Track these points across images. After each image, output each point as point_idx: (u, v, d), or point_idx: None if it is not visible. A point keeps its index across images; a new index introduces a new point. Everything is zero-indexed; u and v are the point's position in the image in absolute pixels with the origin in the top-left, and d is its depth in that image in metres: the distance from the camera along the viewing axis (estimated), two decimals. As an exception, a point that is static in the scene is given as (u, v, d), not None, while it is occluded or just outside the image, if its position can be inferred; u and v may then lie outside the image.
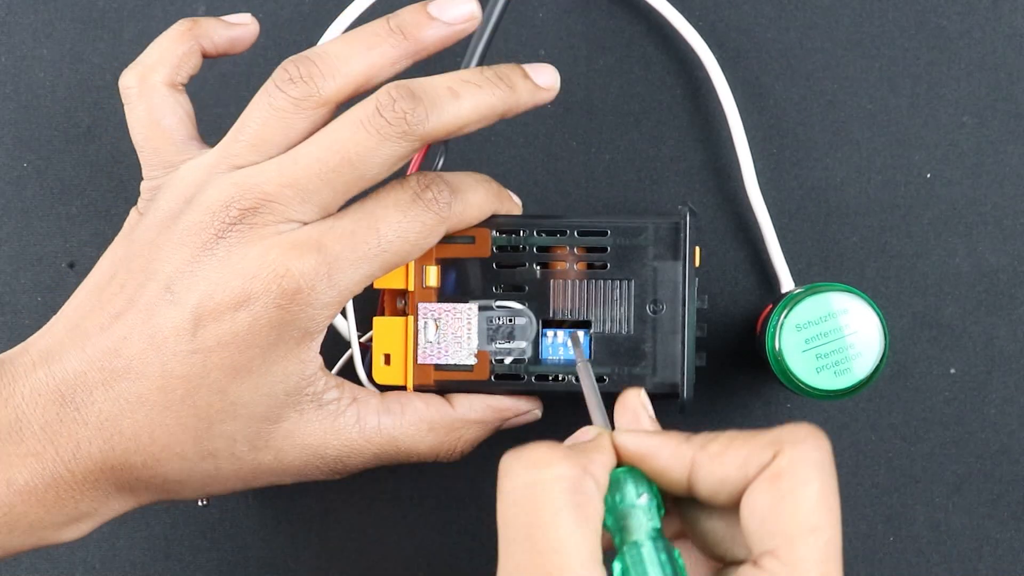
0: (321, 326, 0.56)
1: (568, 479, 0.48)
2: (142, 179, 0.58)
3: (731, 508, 0.50)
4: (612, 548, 0.50)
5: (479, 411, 0.60)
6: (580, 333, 0.59)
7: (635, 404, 0.55)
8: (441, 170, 0.60)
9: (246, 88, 0.58)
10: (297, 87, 0.56)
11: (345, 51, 0.56)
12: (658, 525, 0.49)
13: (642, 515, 0.49)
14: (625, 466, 0.50)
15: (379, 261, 0.56)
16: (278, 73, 0.56)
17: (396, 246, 0.56)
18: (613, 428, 0.53)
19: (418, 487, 0.68)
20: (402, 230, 0.56)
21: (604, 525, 0.49)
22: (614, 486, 0.49)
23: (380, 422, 0.58)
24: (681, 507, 0.52)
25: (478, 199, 0.59)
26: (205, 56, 0.60)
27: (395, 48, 0.57)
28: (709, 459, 0.49)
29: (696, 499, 0.50)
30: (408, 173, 0.59)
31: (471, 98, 0.56)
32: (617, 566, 0.48)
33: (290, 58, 0.56)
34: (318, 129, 0.56)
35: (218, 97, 0.68)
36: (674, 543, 0.51)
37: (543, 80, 0.58)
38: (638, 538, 0.48)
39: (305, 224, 0.55)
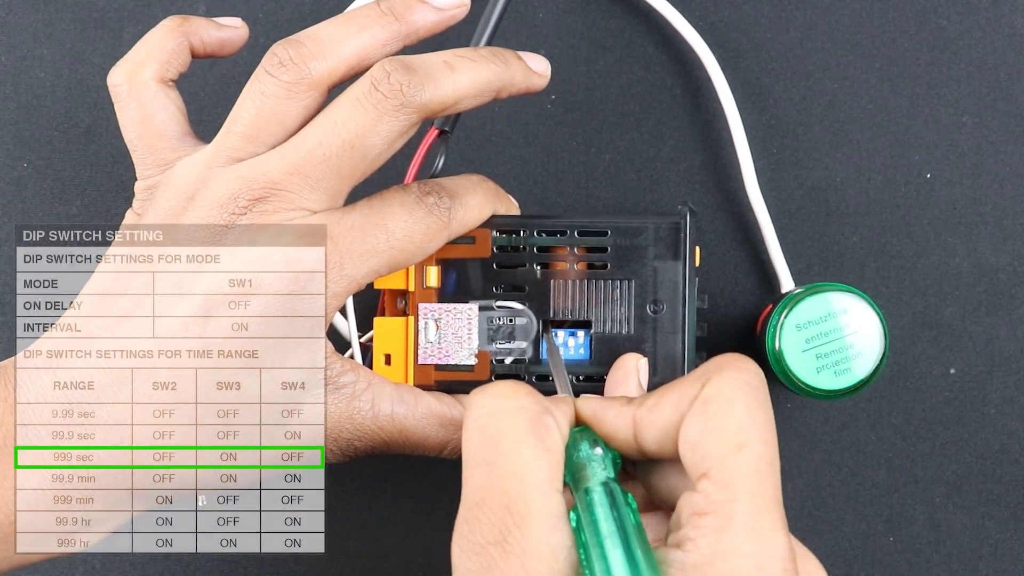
0: (329, 317, 0.56)
1: (530, 411, 0.49)
2: (135, 179, 0.58)
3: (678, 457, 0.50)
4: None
5: None
6: (582, 334, 0.60)
7: (631, 367, 0.57)
8: (441, 170, 0.60)
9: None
10: (288, 71, 0.55)
11: (335, 32, 0.56)
12: (612, 475, 0.50)
13: (596, 466, 0.50)
14: (581, 425, 0.51)
15: (386, 257, 0.56)
16: (267, 58, 0.56)
17: (403, 244, 0.56)
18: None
19: (418, 487, 0.68)
20: (408, 229, 0.56)
21: (564, 483, 0.50)
22: (571, 444, 0.50)
23: (393, 410, 0.58)
24: (639, 472, 0.52)
25: (477, 202, 0.59)
26: (193, 55, 0.59)
27: (385, 30, 0.57)
28: (648, 411, 0.50)
29: (648, 457, 0.51)
30: (408, 174, 0.59)
31: (467, 71, 0.56)
32: (572, 516, 0.49)
33: (279, 42, 0.56)
34: (312, 113, 0.56)
35: (218, 97, 0.68)
36: (646, 514, 0.51)
37: (535, 65, 0.59)
38: (589, 485, 0.49)
39: (314, 212, 0.55)
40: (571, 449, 0.50)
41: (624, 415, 0.51)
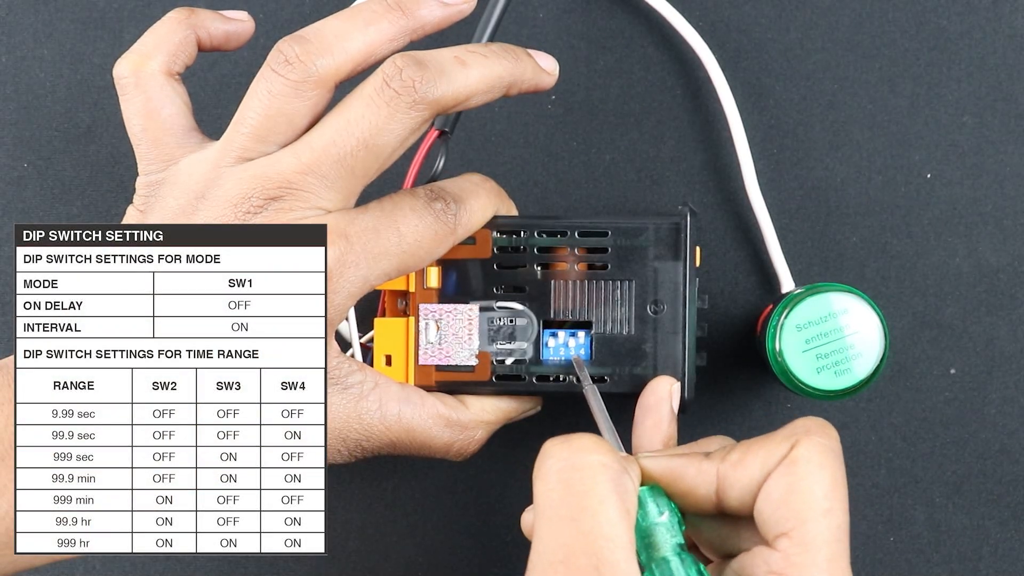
0: (341, 317, 0.55)
1: (613, 468, 0.49)
2: (138, 175, 0.58)
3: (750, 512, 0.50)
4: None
5: (491, 412, 0.60)
6: (582, 335, 0.59)
7: (663, 393, 0.57)
8: (441, 170, 0.60)
9: (246, 89, 0.58)
10: (294, 69, 0.55)
11: (342, 27, 0.56)
12: (682, 541, 0.50)
13: (665, 531, 0.50)
14: (645, 485, 0.51)
15: (396, 260, 0.56)
16: (273, 56, 0.55)
17: (413, 248, 0.56)
18: (629, 450, 0.53)
19: (418, 487, 0.68)
20: (419, 234, 0.56)
21: None
22: (638, 504, 0.50)
23: (400, 410, 0.58)
24: (688, 519, 0.52)
25: (481, 205, 0.59)
26: (200, 48, 0.58)
27: (393, 25, 0.56)
28: (732, 468, 0.50)
29: (724, 513, 0.51)
30: (409, 175, 0.59)
31: (478, 67, 0.56)
32: None
33: (284, 38, 0.56)
34: (320, 110, 0.56)
35: (218, 98, 0.68)
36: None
37: (545, 63, 0.59)
38: (665, 554, 0.49)
39: (329, 212, 0.55)
40: (638, 511, 0.50)
41: (707, 472, 0.51)
